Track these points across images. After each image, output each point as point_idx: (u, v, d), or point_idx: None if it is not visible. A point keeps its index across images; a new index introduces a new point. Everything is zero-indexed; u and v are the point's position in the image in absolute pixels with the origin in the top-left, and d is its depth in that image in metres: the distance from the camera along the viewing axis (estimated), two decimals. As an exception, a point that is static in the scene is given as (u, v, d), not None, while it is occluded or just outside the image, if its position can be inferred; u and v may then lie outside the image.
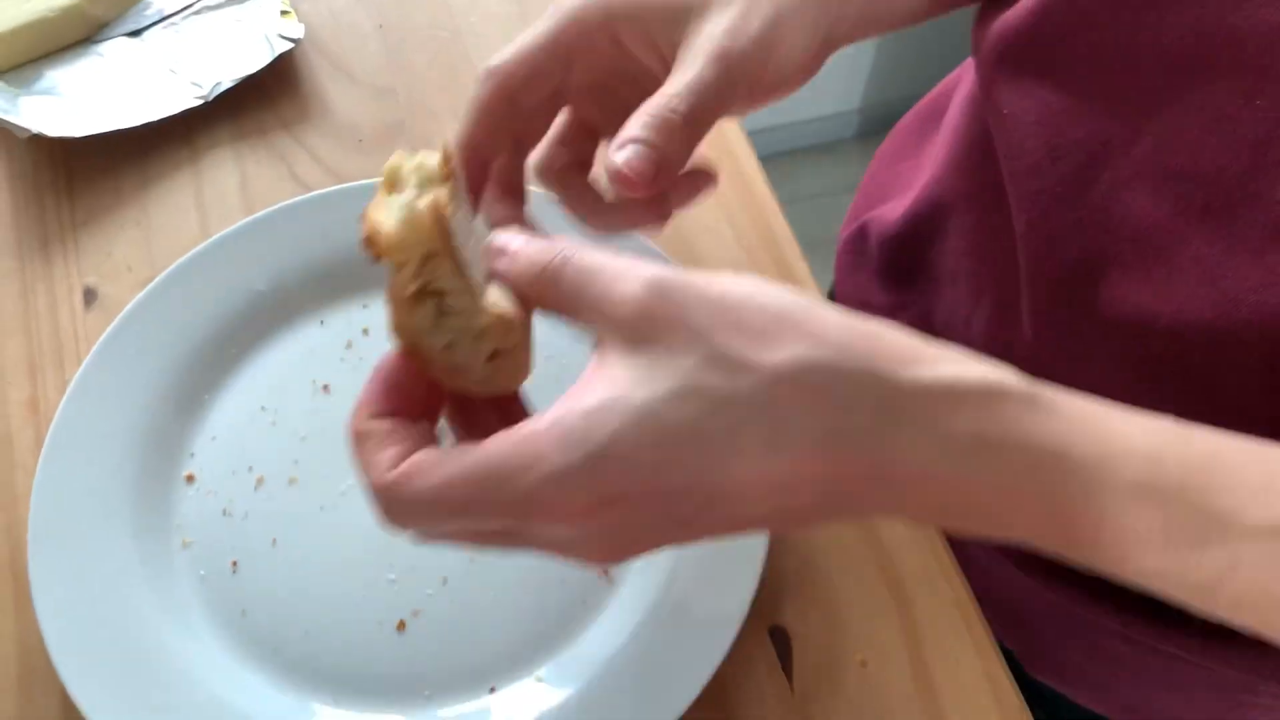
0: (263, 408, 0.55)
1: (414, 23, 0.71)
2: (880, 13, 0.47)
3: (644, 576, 0.51)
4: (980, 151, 0.54)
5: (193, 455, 0.54)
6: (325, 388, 0.56)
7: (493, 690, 0.48)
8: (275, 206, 0.59)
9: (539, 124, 0.45)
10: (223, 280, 0.58)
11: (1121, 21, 0.44)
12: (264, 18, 0.68)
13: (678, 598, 0.49)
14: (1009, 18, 0.49)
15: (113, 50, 0.68)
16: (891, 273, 0.65)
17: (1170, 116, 0.42)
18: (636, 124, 0.40)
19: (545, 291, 0.36)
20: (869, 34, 0.48)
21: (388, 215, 0.35)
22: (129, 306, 0.56)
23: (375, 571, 0.51)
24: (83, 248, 0.61)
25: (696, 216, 0.63)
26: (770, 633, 0.50)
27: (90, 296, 0.60)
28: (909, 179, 0.66)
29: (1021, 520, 0.33)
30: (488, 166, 0.44)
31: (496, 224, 0.44)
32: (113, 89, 0.66)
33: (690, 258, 0.62)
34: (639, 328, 0.33)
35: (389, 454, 0.35)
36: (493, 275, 0.37)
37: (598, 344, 0.35)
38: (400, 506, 0.34)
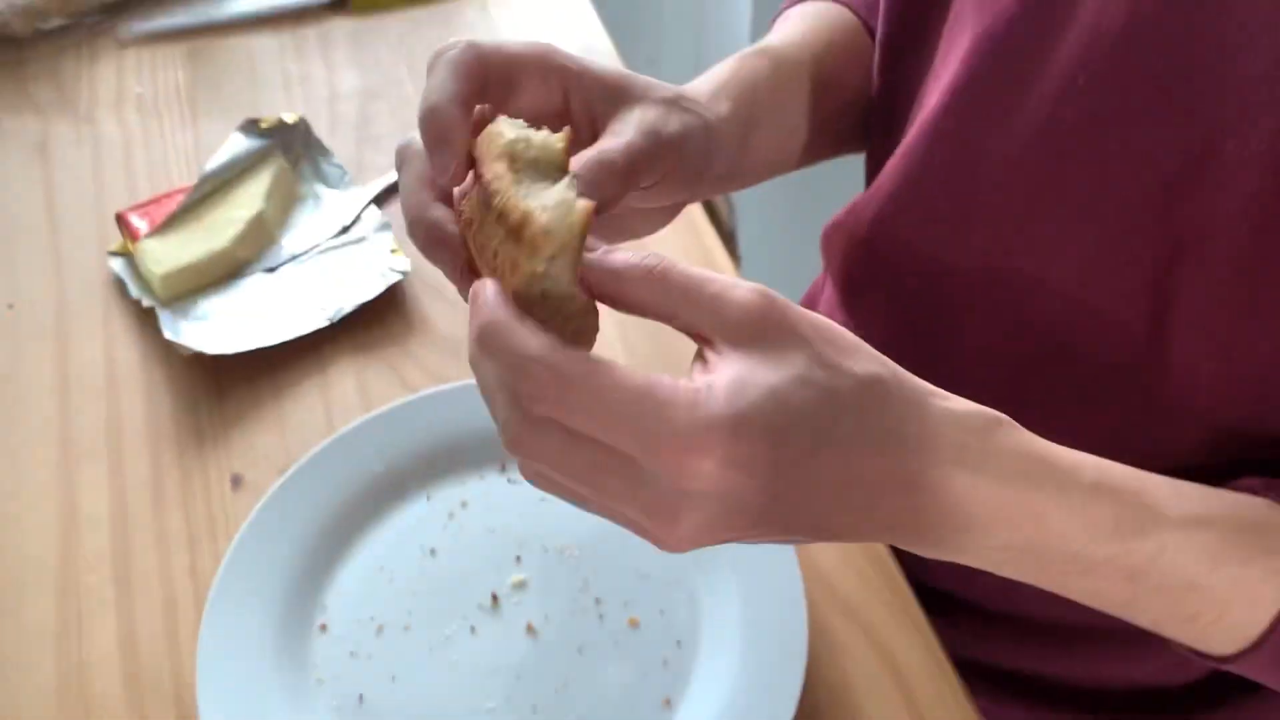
0: (381, 568, 0.67)
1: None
2: (744, 166, 0.57)
3: (699, 706, 0.60)
4: None
5: (325, 608, 0.65)
6: (432, 551, 0.68)
7: (576, 799, 0.58)
8: (388, 405, 0.73)
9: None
10: (346, 466, 0.70)
11: (934, 237, 0.58)
12: (377, 254, 0.84)
13: None
14: (849, 246, 0.63)
15: (253, 284, 0.83)
16: None
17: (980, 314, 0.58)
18: (575, 163, 0.43)
19: (649, 292, 0.39)
20: (732, 185, 0.58)
21: (541, 208, 0.37)
22: (271, 490, 0.69)
23: (477, 700, 0.61)
24: (230, 442, 0.74)
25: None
26: (808, 752, 0.60)
27: (237, 481, 0.72)
28: None
29: (1003, 520, 0.41)
30: (448, 134, 0.44)
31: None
32: (254, 315, 0.80)
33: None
34: (757, 328, 0.39)
35: (547, 337, 0.37)
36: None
37: (708, 341, 0.40)
38: (564, 386, 0.36)
